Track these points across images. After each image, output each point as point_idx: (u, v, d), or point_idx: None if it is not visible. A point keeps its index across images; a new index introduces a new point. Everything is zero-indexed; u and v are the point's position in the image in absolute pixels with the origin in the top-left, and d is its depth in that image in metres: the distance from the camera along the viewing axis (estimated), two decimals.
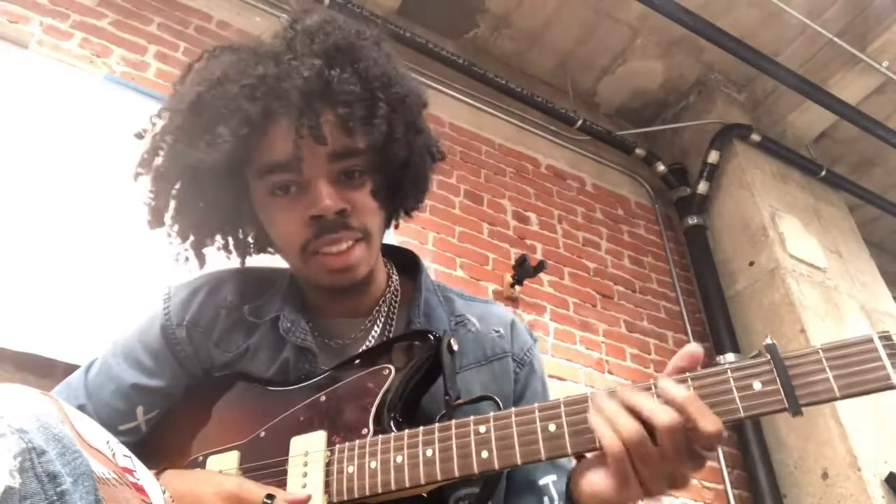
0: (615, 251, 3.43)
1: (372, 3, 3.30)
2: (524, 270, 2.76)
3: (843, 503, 2.59)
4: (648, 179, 3.86)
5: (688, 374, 0.63)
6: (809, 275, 3.29)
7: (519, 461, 0.65)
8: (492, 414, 0.68)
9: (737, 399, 0.61)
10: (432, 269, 2.68)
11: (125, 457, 0.58)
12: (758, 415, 0.61)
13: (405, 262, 0.98)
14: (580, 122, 3.56)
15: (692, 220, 3.63)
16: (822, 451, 2.75)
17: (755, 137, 3.68)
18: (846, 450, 2.67)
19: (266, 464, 0.77)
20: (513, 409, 0.68)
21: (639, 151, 3.77)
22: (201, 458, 0.81)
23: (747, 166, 3.60)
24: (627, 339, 3.11)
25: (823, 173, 3.89)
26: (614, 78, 3.86)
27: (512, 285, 2.82)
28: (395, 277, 0.95)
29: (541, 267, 2.78)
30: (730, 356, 3.16)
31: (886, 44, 3.51)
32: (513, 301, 2.85)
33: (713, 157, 3.63)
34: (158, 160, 0.85)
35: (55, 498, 0.43)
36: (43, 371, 1.77)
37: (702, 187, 3.64)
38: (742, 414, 0.60)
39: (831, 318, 3.15)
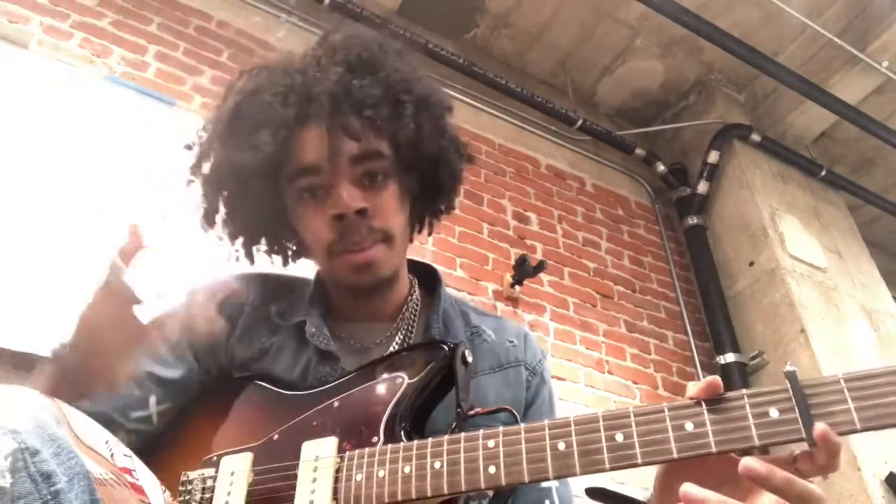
0: (615, 251, 3.43)
1: (372, 3, 3.30)
2: (524, 270, 2.76)
3: (843, 503, 2.59)
4: (648, 179, 3.86)
5: (702, 399, 0.61)
6: (809, 275, 3.29)
7: (526, 479, 0.64)
8: (501, 428, 0.68)
9: (752, 427, 0.59)
10: None
11: (125, 456, 0.58)
12: (773, 444, 0.58)
13: (425, 276, 1.02)
14: (580, 122, 3.56)
15: (692, 220, 3.63)
16: None
17: (755, 137, 3.68)
18: (846, 449, 2.67)
19: (278, 466, 0.77)
20: (522, 426, 0.67)
21: (639, 151, 3.77)
22: (216, 457, 0.82)
23: (747, 166, 3.60)
24: (627, 339, 3.11)
25: (823, 173, 3.89)
26: (614, 78, 3.86)
27: (512, 285, 2.82)
28: (416, 289, 0.99)
29: (541, 267, 2.78)
30: (730, 356, 3.16)
31: (886, 44, 3.51)
32: (513, 301, 2.85)
33: (713, 157, 3.63)
34: (206, 166, 0.91)
35: (49, 497, 0.43)
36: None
37: (702, 187, 3.64)
38: (756, 442, 0.58)
39: (831, 318, 3.16)
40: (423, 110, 0.87)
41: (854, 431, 0.56)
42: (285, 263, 0.99)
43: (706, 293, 3.43)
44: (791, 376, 0.58)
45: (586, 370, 2.85)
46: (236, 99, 0.88)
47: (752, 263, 3.36)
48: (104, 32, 2.52)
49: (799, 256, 3.32)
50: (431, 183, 0.92)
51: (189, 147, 0.94)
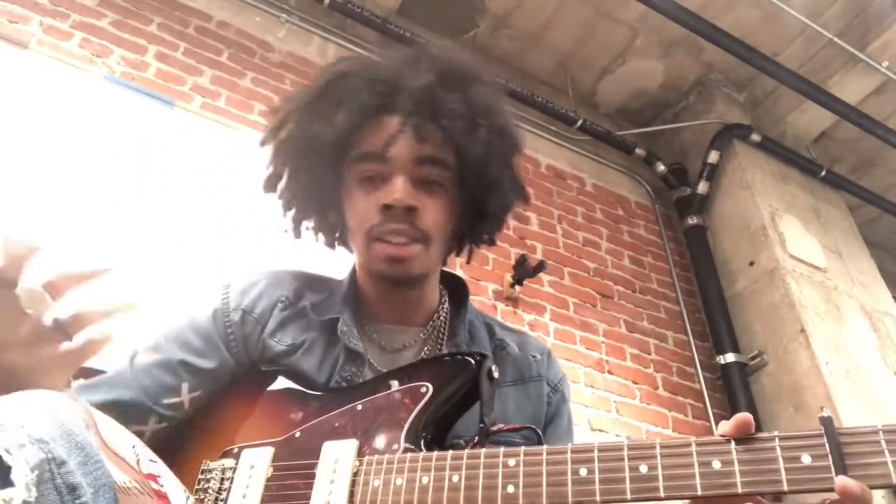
0: (615, 251, 3.43)
1: (372, 3, 3.30)
2: (524, 270, 2.76)
3: None
4: (648, 179, 3.86)
5: (732, 437, 0.60)
6: (809, 275, 3.29)
7: (544, 501, 0.64)
8: (522, 448, 0.67)
9: (782, 471, 0.57)
10: None
11: (151, 462, 0.58)
12: (803, 491, 0.56)
13: (455, 288, 1.04)
14: (580, 122, 3.56)
15: (692, 220, 3.63)
16: None
17: (755, 137, 3.68)
18: None
19: (297, 464, 0.78)
20: (545, 447, 0.67)
21: (639, 151, 3.77)
22: (237, 449, 0.83)
23: (747, 166, 3.59)
24: (627, 339, 3.11)
25: (823, 173, 3.89)
26: (614, 78, 3.86)
27: (512, 285, 2.81)
28: (446, 299, 1.01)
29: (541, 267, 2.78)
30: (730, 356, 3.16)
31: (886, 44, 3.51)
32: (513, 301, 2.85)
33: (713, 157, 3.63)
34: (283, 133, 0.93)
35: None
36: None
37: (702, 187, 3.64)
38: (786, 487, 0.56)
39: (831, 318, 3.15)
40: (495, 138, 0.90)
41: (889, 486, 0.54)
42: (329, 246, 1.00)
43: (706, 293, 3.42)
44: (827, 423, 0.57)
45: (586, 370, 2.85)
46: (328, 77, 0.91)
47: (752, 263, 3.36)
48: (104, 32, 2.52)
49: (799, 256, 3.32)
50: (479, 208, 0.94)
51: (276, 111, 0.97)
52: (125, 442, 0.56)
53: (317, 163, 0.90)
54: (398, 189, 0.84)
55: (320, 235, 0.99)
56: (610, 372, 2.92)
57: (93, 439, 0.48)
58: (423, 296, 0.96)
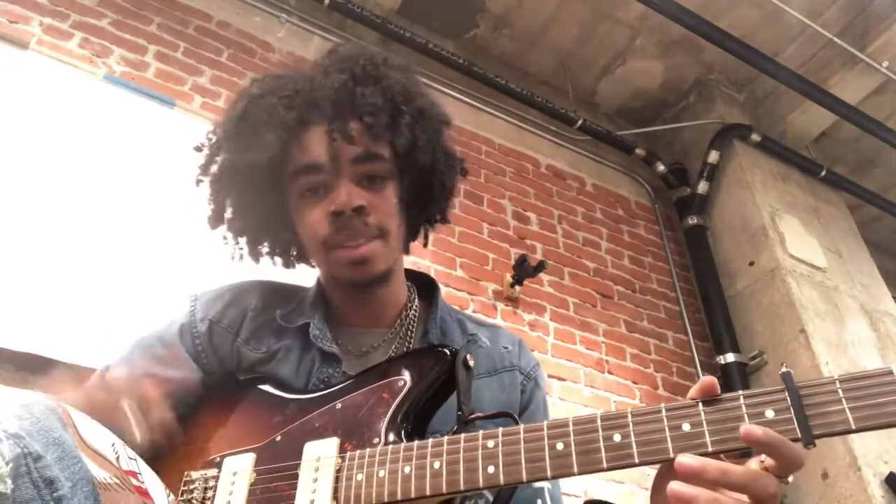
0: (615, 251, 3.43)
1: (372, 3, 3.30)
2: (524, 270, 2.76)
3: (842, 503, 2.59)
4: (648, 179, 3.86)
5: (699, 400, 0.62)
6: (809, 275, 3.29)
7: (524, 478, 0.65)
8: (500, 429, 0.69)
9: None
10: (432, 269, 2.68)
11: (130, 459, 0.58)
12: None
13: (423, 286, 1.05)
14: (580, 122, 3.56)
15: (692, 220, 3.63)
16: (821, 452, 2.75)
17: (755, 137, 3.68)
18: (846, 450, 2.67)
19: (280, 466, 0.78)
20: (521, 426, 0.68)
21: (639, 151, 3.77)
22: (218, 458, 0.83)
23: (747, 166, 3.59)
24: (627, 339, 3.11)
25: (823, 173, 3.89)
26: (614, 78, 3.86)
27: (512, 285, 2.81)
28: (415, 296, 1.02)
29: (541, 267, 2.78)
30: (730, 356, 3.16)
31: (886, 44, 3.51)
32: (513, 301, 2.85)
33: (713, 157, 3.63)
34: (214, 168, 0.94)
35: (52, 503, 0.43)
36: (43, 371, 1.77)
37: (702, 187, 3.64)
38: None
39: (831, 318, 3.15)
40: (419, 121, 0.91)
41: (849, 432, 0.56)
42: (287, 265, 1.01)
43: (706, 293, 3.43)
44: (786, 377, 0.59)
45: (586, 370, 2.85)
46: (244, 103, 0.92)
47: (752, 263, 3.36)
48: (104, 32, 2.52)
49: (799, 256, 3.32)
50: (423, 191, 0.95)
51: (199, 148, 0.97)
52: (105, 440, 0.56)
53: (256, 188, 0.91)
54: (343, 193, 0.85)
55: (277, 258, 1.01)
56: (610, 372, 2.92)
57: (69, 437, 0.48)
58: (389, 294, 0.96)
